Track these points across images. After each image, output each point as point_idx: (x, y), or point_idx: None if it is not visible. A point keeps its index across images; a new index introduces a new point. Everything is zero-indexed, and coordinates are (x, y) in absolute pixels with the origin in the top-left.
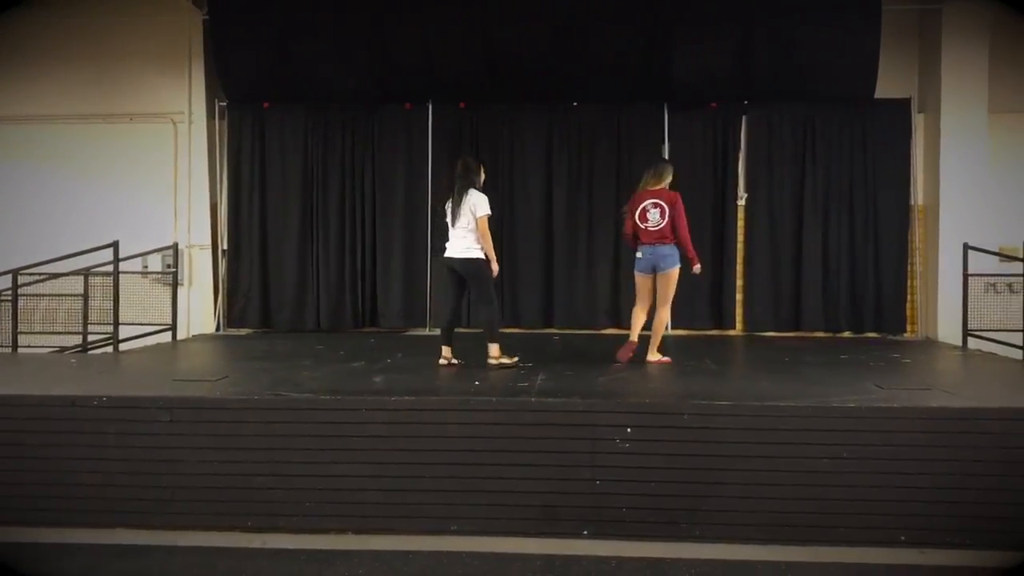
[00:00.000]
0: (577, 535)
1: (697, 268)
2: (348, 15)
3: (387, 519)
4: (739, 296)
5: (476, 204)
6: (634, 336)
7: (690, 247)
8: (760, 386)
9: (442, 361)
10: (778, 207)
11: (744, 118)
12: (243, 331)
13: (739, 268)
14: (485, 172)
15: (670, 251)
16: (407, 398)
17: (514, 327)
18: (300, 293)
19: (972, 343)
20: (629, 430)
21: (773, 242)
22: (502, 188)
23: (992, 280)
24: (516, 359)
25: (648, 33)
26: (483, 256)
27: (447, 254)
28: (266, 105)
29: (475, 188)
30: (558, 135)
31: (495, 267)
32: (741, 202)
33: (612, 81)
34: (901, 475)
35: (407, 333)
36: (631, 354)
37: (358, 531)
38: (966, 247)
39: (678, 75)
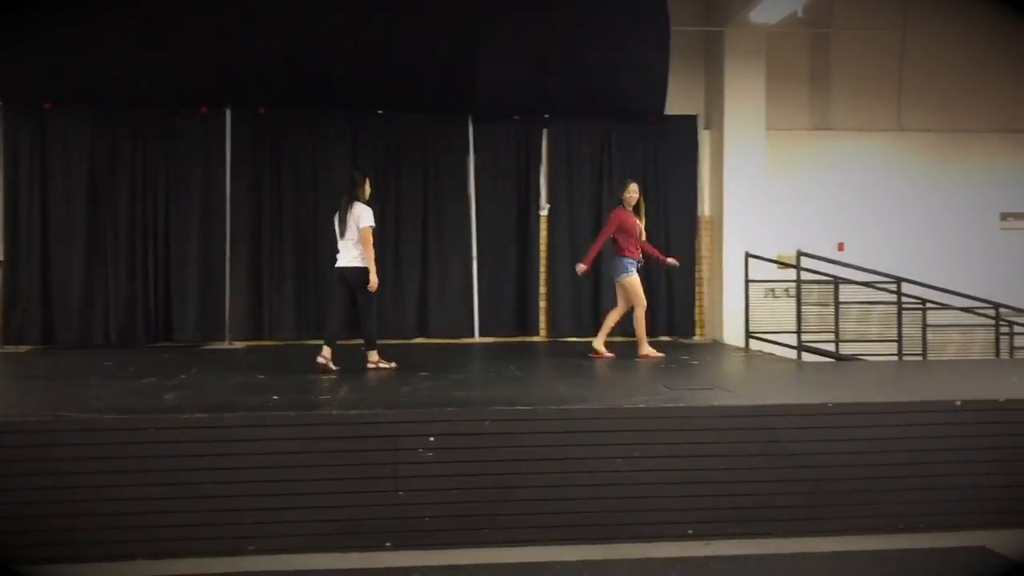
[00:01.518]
0: (379, 547)
1: (580, 267)
2: (139, 13)
3: (180, 542)
4: (543, 303)
5: (360, 216)
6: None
7: (590, 252)
8: (559, 390)
9: (320, 360)
10: (578, 218)
11: (545, 131)
12: (22, 348)
13: (542, 276)
14: (371, 185)
15: (615, 263)
16: (199, 415)
17: (318, 338)
18: (87, 307)
19: (754, 344)
20: (432, 439)
21: (574, 251)
22: (305, 196)
23: (771, 286)
24: (394, 364)
25: (451, 44)
26: (365, 267)
27: (338, 264)
28: (48, 106)
29: (360, 201)
30: (363, 143)
31: (374, 279)
32: (543, 212)
33: (417, 90)
34: (687, 471)
35: (204, 347)
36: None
37: (150, 556)
38: (747, 255)
39: (481, 87)
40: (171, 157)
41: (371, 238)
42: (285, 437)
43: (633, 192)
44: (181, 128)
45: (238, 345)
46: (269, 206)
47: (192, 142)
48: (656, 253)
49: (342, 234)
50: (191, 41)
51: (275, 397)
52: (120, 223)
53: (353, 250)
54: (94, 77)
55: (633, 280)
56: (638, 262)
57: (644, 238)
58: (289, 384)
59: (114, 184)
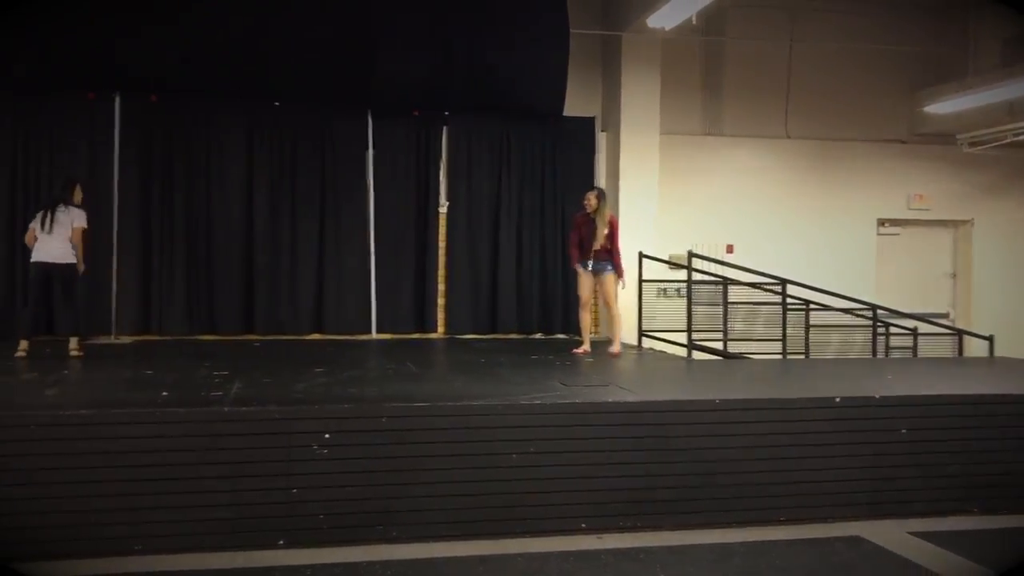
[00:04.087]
0: (271, 545)
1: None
2: None
3: (63, 542)
4: (441, 300)
5: (77, 218)
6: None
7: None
8: (456, 387)
9: (20, 353)
10: (477, 215)
11: (445, 128)
12: None
13: (441, 273)
14: (82, 191)
15: None
16: (83, 412)
17: (210, 334)
18: None
19: (646, 343)
20: (327, 436)
21: (472, 249)
22: (199, 188)
23: (663, 286)
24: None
25: (349, 36)
26: (75, 262)
27: (42, 259)
28: None
29: (73, 204)
30: (259, 134)
31: (82, 267)
32: (442, 210)
33: (316, 82)
34: (581, 466)
35: (89, 342)
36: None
37: (23, 558)
38: (641, 255)
39: (380, 81)
40: (55, 144)
41: (83, 239)
42: (174, 435)
43: (588, 199)
44: (67, 114)
45: (125, 340)
46: (159, 197)
47: (78, 129)
48: (617, 262)
49: (50, 231)
50: (76, 23)
51: (164, 393)
52: None
53: (62, 246)
54: None
55: (578, 275)
56: (584, 263)
57: (600, 244)
58: (179, 380)
59: None
